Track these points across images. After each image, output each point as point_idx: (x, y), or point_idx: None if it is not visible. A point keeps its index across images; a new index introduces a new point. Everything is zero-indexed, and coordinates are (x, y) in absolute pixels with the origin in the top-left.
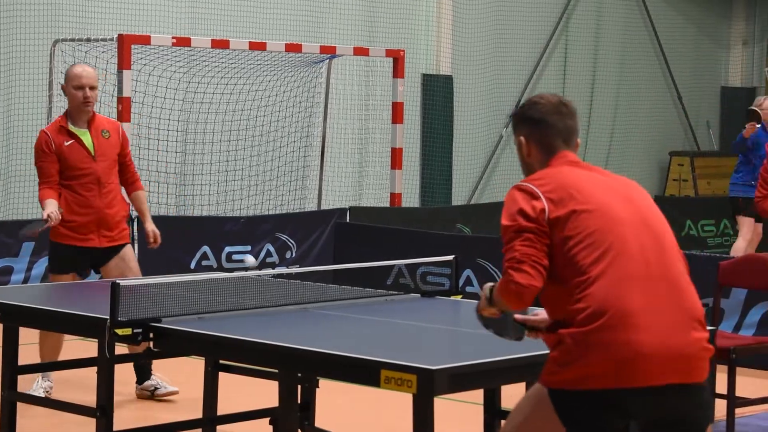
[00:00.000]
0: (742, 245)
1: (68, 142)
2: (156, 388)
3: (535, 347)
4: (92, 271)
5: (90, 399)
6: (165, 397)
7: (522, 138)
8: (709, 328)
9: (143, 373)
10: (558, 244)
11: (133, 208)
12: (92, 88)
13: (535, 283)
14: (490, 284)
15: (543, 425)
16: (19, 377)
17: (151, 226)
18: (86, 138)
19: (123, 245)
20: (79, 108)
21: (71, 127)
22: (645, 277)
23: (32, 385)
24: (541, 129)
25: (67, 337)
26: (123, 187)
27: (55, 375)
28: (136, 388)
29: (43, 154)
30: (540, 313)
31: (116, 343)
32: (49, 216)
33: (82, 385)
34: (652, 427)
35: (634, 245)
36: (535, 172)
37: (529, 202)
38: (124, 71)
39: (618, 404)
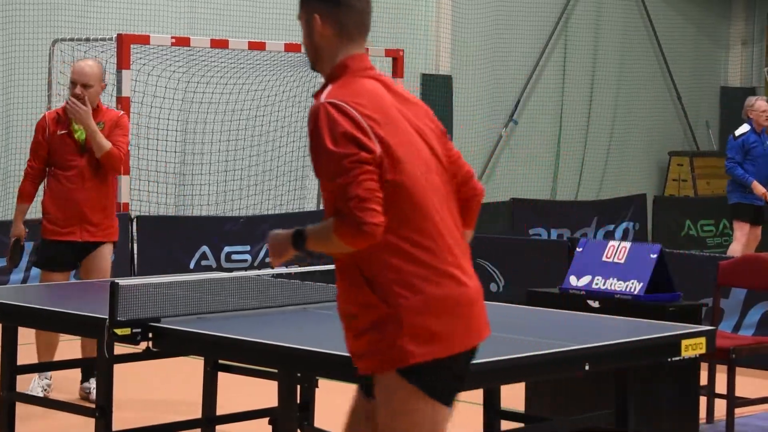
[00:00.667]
0: (737, 248)
1: (61, 132)
2: (89, 394)
3: (532, 348)
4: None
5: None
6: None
7: (317, 16)
8: (708, 328)
9: (88, 373)
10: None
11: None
12: (84, 85)
13: (383, 223)
14: (284, 234)
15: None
16: (19, 378)
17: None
18: (80, 131)
19: (102, 243)
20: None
21: (70, 118)
22: (451, 228)
23: (30, 384)
24: (343, 10)
25: (66, 337)
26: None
27: (53, 375)
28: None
29: (36, 138)
30: None
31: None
32: (14, 237)
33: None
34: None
35: (437, 195)
36: (323, 60)
37: (359, 134)
38: (124, 71)
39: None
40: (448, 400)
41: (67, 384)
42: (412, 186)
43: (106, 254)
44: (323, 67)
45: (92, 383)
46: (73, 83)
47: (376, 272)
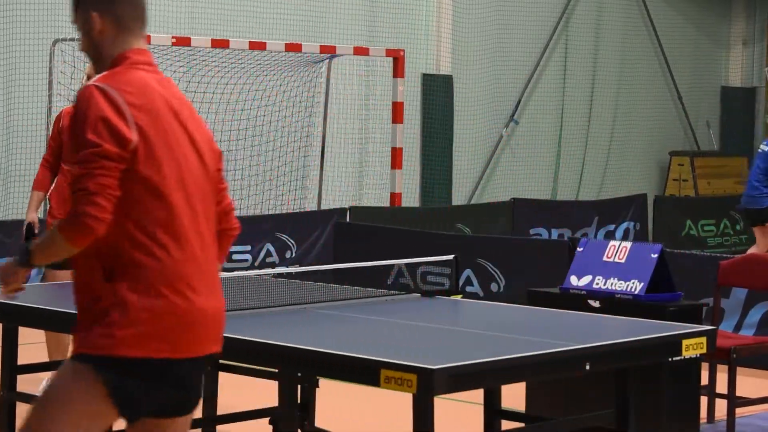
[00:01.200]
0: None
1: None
2: None
3: (532, 347)
4: None
5: None
6: None
7: (94, 14)
8: (709, 327)
9: None
10: (131, 178)
11: None
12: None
13: (109, 218)
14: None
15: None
16: (19, 377)
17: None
18: None
19: None
20: None
21: None
22: (195, 242)
23: (40, 385)
24: (119, 4)
25: (69, 337)
26: None
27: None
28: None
29: (52, 132)
30: None
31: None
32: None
33: None
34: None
35: (190, 206)
36: (104, 57)
37: (117, 120)
38: None
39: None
40: (121, 402)
41: None
42: (162, 183)
43: None
44: (105, 65)
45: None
46: (88, 76)
47: (114, 264)
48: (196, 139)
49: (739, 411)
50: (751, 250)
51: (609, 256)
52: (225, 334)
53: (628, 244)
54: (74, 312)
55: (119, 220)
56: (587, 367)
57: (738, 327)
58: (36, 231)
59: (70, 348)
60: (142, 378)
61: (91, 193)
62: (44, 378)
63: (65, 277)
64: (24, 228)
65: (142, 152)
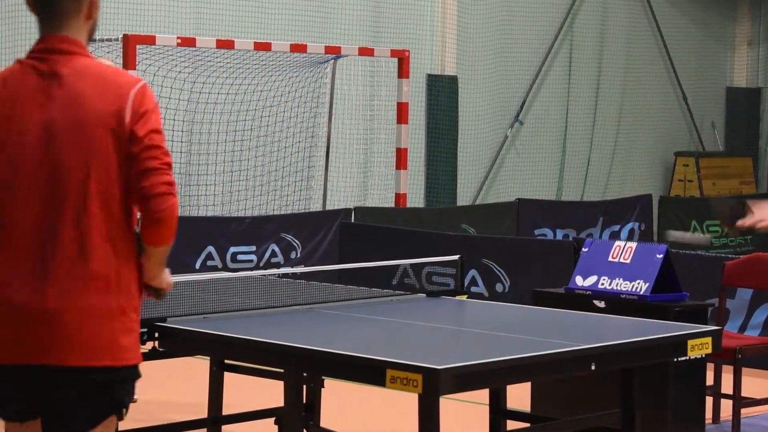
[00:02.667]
0: None
1: None
2: None
3: (538, 347)
4: None
5: None
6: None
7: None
8: (714, 328)
9: None
10: None
11: None
12: None
13: None
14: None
15: None
16: None
17: None
18: None
19: None
20: None
21: None
22: (34, 238)
23: None
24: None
25: None
26: None
27: None
28: None
29: None
30: None
31: None
32: None
33: None
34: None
35: (24, 211)
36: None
37: None
38: (129, 71)
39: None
40: None
41: None
42: None
43: None
44: None
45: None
46: None
47: None
48: (52, 124)
49: (744, 411)
50: None
51: (614, 256)
52: (230, 334)
53: (633, 245)
54: None
55: None
56: (592, 367)
57: (743, 327)
58: None
59: None
60: None
61: None
62: None
63: None
64: None
65: None
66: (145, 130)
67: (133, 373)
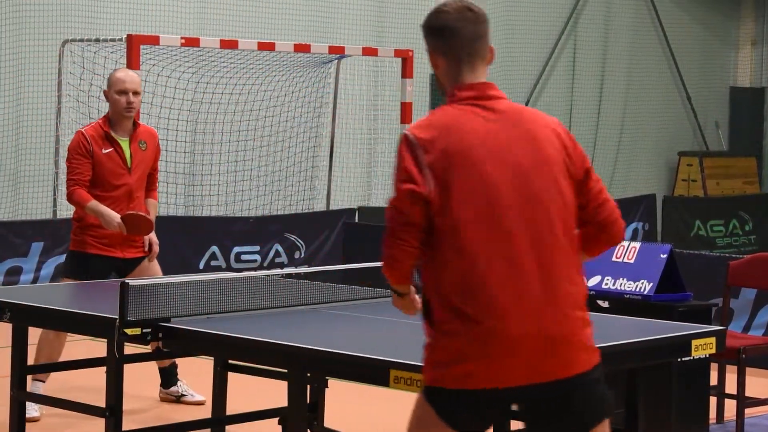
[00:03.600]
0: None
1: (107, 150)
2: (183, 395)
3: None
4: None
5: (95, 398)
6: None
7: (431, 51)
8: (718, 328)
9: (169, 378)
10: (434, 216)
11: None
12: (136, 93)
13: (400, 267)
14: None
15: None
16: (29, 377)
17: (152, 237)
18: (125, 148)
19: (144, 256)
20: (121, 114)
21: (113, 134)
22: (516, 264)
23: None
24: (447, 39)
25: (76, 336)
26: None
27: (63, 375)
28: (160, 391)
29: (78, 155)
30: None
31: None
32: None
33: (91, 385)
34: (534, 416)
35: (509, 228)
36: (445, 87)
37: (413, 167)
38: (134, 71)
39: (491, 401)
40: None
41: (74, 384)
42: (458, 229)
43: (156, 264)
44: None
45: (181, 386)
46: (124, 92)
47: (430, 296)
48: (515, 160)
49: (748, 411)
50: None
51: (618, 256)
52: (234, 334)
53: (637, 245)
54: (83, 312)
55: (427, 260)
56: None
57: (747, 327)
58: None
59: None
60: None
61: (392, 231)
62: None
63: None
64: (123, 219)
65: (438, 200)
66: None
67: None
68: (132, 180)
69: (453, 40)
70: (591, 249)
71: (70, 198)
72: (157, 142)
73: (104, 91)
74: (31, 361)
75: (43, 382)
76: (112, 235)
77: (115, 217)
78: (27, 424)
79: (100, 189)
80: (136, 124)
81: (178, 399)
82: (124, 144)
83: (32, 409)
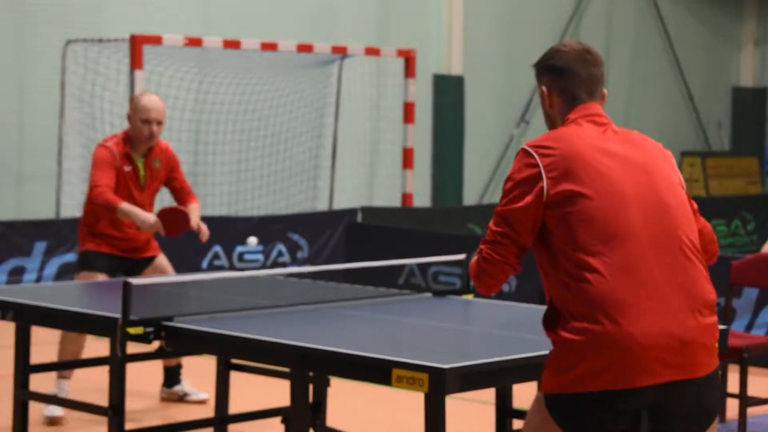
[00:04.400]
0: None
1: (128, 168)
2: (186, 394)
3: (544, 346)
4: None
5: (97, 397)
6: (194, 404)
7: (544, 88)
8: (720, 327)
9: (173, 377)
10: (554, 221)
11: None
12: (159, 123)
13: (495, 283)
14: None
15: None
16: (32, 377)
17: (198, 222)
18: (140, 167)
19: (155, 256)
20: (142, 142)
21: (132, 155)
22: (646, 266)
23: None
24: (564, 78)
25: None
26: (177, 202)
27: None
28: (162, 391)
29: (106, 164)
30: None
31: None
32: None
33: (96, 384)
34: (657, 419)
35: (637, 231)
36: (557, 124)
37: (528, 179)
38: (136, 71)
39: (619, 405)
40: None
41: (80, 383)
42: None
43: (166, 262)
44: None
45: (184, 385)
46: (148, 122)
47: (554, 302)
48: (649, 169)
49: (750, 411)
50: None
51: None
52: (237, 334)
53: None
54: (86, 311)
55: (551, 269)
56: None
57: (749, 326)
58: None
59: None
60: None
61: (484, 259)
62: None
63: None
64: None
65: (560, 201)
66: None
67: None
68: (143, 198)
69: (572, 80)
70: None
71: (98, 199)
72: (171, 156)
73: (127, 114)
74: (37, 360)
75: (68, 378)
76: (124, 243)
77: (150, 216)
78: (38, 421)
79: None
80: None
81: (181, 398)
82: (140, 163)
83: (57, 409)
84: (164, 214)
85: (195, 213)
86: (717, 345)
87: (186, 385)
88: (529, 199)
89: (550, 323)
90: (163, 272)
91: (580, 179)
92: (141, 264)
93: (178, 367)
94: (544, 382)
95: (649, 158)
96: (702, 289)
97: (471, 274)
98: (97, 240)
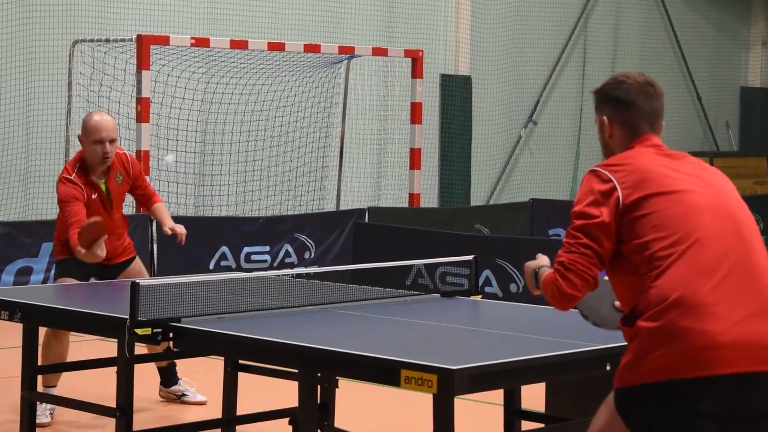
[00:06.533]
0: None
1: (94, 195)
2: (184, 395)
3: (553, 347)
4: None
5: (102, 397)
6: (192, 404)
7: (605, 118)
8: None
9: (169, 377)
10: (630, 229)
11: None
12: (112, 141)
13: (578, 294)
14: (535, 265)
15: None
16: (39, 378)
17: (171, 225)
18: (104, 188)
19: (131, 260)
20: (98, 162)
21: (93, 179)
22: (721, 265)
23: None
24: (627, 110)
25: (86, 337)
26: (143, 208)
27: (73, 375)
28: (160, 390)
29: (74, 199)
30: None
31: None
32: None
33: (100, 384)
34: (730, 423)
35: (711, 233)
36: (615, 154)
37: (603, 193)
38: (143, 72)
39: (690, 396)
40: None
41: (83, 384)
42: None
43: (140, 266)
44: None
45: (182, 385)
46: (100, 141)
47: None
48: (715, 183)
49: None
50: None
51: None
52: (245, 334)
53: None
54: (94, 312)
55: (626, 272)
56: (607, 368)
57: None
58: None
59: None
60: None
61: (565, 268)
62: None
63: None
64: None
65: (636, 206)
66: None
67: None
68: (113, 217)
69: (634, 111)
70: None
71: (70, 239)
72: (131, 164)
73: (78, 136)
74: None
75: (54, 386)
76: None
77: (98, 254)
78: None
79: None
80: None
81: (179, 398)
82: (102, 185)
83: (43, 415)
84: (83, 239)
85: (165, 215)
86: None
87: (183, 384)
88: (605, 211)
89: (629, 321)
90: (139, 276)
91: (653, 188)
92: (115, 269)
93: (173, 366)
94: (617, 376)
95: (714, 177)
96: None
97: (546, 289)
98: (70, 250)
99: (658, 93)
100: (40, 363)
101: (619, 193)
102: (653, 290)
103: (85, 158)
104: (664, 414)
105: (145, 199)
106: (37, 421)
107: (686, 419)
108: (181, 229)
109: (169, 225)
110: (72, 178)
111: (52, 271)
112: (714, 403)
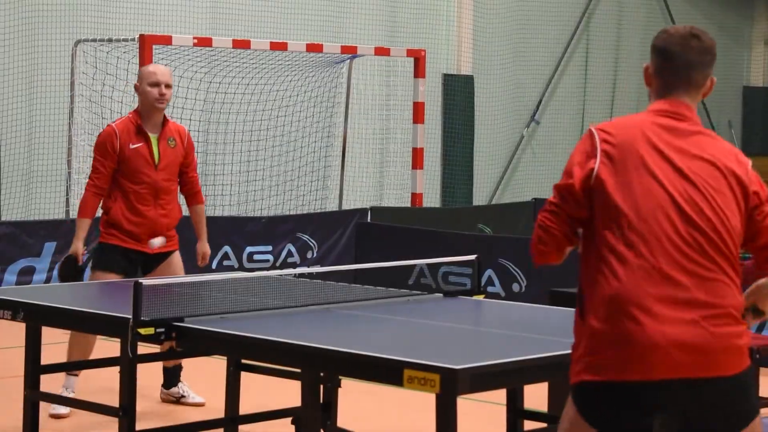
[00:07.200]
0: None
1: (135, 145)
2: (183, 396)
3: (555, 347)
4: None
5: (106, 397)
6: (191, 406)
7: (647, 65)
8: None
9: (172, 379)
10: (595, 212)
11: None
12: (168, 86)
13: (546, 249)
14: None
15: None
16: (42, 377)
17: (203, 247)
18: (154, 144)
19: (171, 252)
20: (152, 106)
21: (145, 130)
22: (673, 268)
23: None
24: (661, 61)
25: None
26: (183, 197)
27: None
28: (161, 392)
29: (105, 152)
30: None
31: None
32: (70, 253)
33: (103, 384)
34: (681, 425)
35: (669, 233)
36: (652, 102)
37: (586, 156)
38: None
39: (631, 398)
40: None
41: (89, 383)
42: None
43: (178, 261)
44: None
45: (181, 387)
46: (156, 84)
47: (583, 291)
48: (697, 179)
49: (763, 411)
50: None
51: None
52: (247, 334)
53: None
54: (97, 311)
55: (586, 257)
56: None
57: (761, 327)
58: (80, 263)
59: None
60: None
61: (538, 225)
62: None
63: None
64: (63, 260)
65: (605, 189)
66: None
67: None
68: (159, 178)
69: (669, 63)
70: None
71: (83, 194)
72: (187, 139)
73: (135, 85)
74: (48, 361)
75: (77, 375)
76: (136, 230)
77: (73, 246)
78: (48, 422)
79: (128, 180)
80: (165, 121)
81: (178, 400)
82: (153, 140)
83: (61, 407)
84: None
85: (202, 226)
86: (745, 347)
87: (183, 386)
88: (578, 176)
89: (580, 308)
90: (175, 273)
91: (625, 170)
92: (154, 259)
93: (178, 368)
94: (570, 370)
95: (706, 170)
96: (727, 299)
97: (531, 246)
98: (111, 227)
99: (703, 47)
100: (66, 358)
101: (597, 163)
102: (599, 284)
103: (140, 109)
104: (608, 411)
105: (190, 187)
106: (55, 412)
107: (626, 418)
108: (207, 253)
109: (200, 246)
110: (115, 125)
111: (55, 271)
112: (650, 404)
